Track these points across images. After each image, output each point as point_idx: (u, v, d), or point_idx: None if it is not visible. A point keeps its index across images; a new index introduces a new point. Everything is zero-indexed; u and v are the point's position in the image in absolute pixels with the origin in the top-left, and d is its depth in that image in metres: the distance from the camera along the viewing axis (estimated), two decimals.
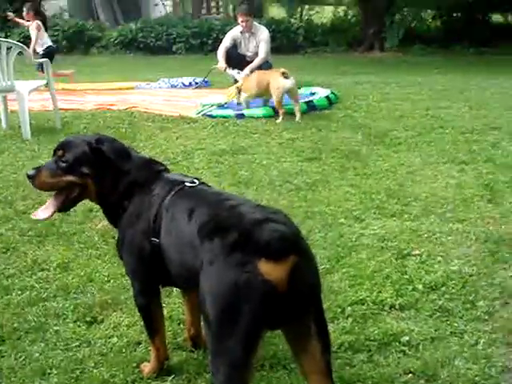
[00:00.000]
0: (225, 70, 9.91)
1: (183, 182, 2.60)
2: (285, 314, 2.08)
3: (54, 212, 2.80)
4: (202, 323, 2.88)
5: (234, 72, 9.63)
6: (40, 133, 7.30)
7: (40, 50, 11.77)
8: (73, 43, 19.35)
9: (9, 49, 7.12)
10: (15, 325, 3.18)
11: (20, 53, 7.27)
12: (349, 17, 20.65)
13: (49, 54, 11.47)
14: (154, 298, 2.72)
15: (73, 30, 19.39)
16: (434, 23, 20.23)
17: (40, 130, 7.47)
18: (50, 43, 12.25)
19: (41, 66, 11.31)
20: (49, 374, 2.78)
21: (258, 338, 2.08)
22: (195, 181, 2.61)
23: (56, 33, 19.15)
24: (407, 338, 2.97)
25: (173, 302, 3.30)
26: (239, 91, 8.24)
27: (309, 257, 2.17)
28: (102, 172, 2.69)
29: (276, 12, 23.06)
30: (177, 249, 2.43)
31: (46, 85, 7.75)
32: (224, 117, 7.84)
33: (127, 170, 2.70)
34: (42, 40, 11.87)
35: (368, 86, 10.43)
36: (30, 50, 11.46)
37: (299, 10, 21.42)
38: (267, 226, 2.09)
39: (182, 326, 3.09)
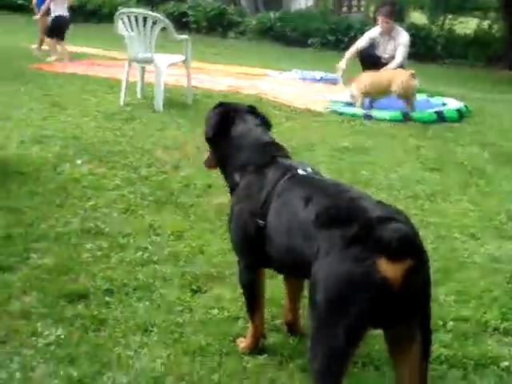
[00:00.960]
0: (337, 71, 9.77)
1: (296, 168, 2.62)
2: (393, 314, 2.08)
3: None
4: (300, 310, 2.94)
5: (339, 78, 9.47)
6: (171, 106, 7.57)
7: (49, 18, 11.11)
8: (213, 25, 19.82)
9: (154, 23, 7.42)
10: (125, 281, 3.37)
11: (164, 28, 7.54)
12: (493, 31, 19.88)
13: (56, 23, 10.96)
14: (258, 276, 2.77)
15: (214, 12, 19.84)
16: None
17: (172, 103, 7.74)
18: (61, 12, 11.11)
19: (49, 33, 10.87)
20: (150, 331, 2.93)
21: (362, 333, 2.09)
22: (308, 169, 2.62)
23: (198, 13, 19.72)
24: (507, 364, 2.88)
25: (276, 284, 3.34)
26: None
27: (425, 260, 2.14)
28: (216, 138, 2.89)
29: (418, 17, 22.60)
30: (285, 234, 2.45)
31: (184, 61, 8.00)
32: (352, 115, 7.81)
33: (240, 146, 2.80)
34: (53, 7, 11.06)
35: (503, 105, 10.03)
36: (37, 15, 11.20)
37: (442, 18, 20.89)
38: (389, 224, 2.08)
39: (281, 309, 3.14)
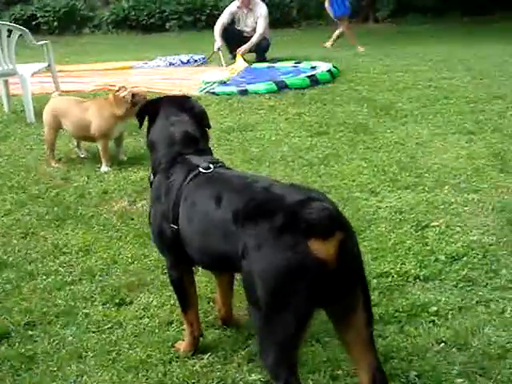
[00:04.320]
0: (218, 50, 10.05)
1: (198, 166, 2.57)
2: (335, 290, 2.09)
3: None
4: (232, 304, 2.92)
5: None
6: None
7: None
8: (65, 24, 19.16)
9: (9, 32, 7.05)
10: (44, 309, 3.19)
11: (20, 36, 7.18)
12: None
13: None
14: (186, 273, 2.74)
15: (64, 10, 19.18)
16: None
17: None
18: None
19: None
20: (85, 356, 2.80)
21: (309, 317, 2.09)
22: (210, 165, 2.57)
23: (47, 14, 18.98)
24: (435, 308, 3.01)
25: (199, 280, 3.30)
26: None
27: (351, 231, 2.18)
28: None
29: None
30: (201, 236, 2.44)
31: (48, 67, 7.68)
32: (227, 94, 7.80)
33: (154, 144, 2.82)
34: None
35: (368, 59, 10.38)
36: None
37: None
38: (311, 205, 2.08)
39: (211, 304, 3.11)
